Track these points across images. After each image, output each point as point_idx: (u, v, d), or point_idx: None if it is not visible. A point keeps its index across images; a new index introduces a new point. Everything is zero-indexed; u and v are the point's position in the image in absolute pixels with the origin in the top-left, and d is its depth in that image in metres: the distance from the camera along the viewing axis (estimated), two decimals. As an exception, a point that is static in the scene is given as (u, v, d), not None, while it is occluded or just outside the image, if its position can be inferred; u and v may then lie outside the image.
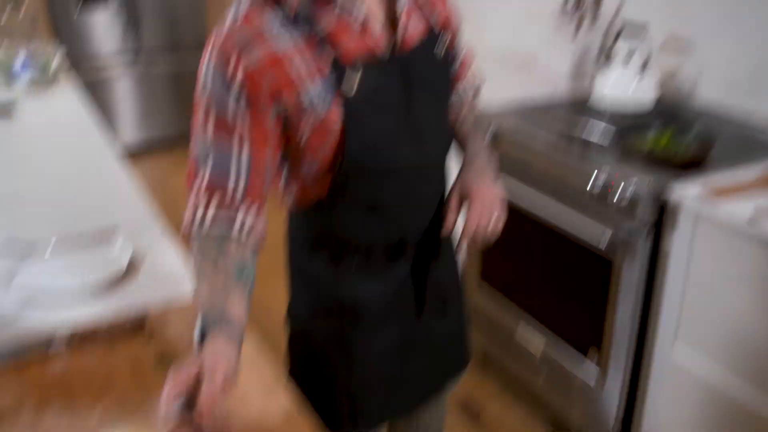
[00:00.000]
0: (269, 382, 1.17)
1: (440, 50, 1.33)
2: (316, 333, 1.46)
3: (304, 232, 1.42)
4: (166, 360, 1.22)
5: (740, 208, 1.65)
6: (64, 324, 1.34)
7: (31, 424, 1.10)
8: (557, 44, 2.64)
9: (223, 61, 1.13)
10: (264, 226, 1.20)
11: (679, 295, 1.79)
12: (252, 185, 1.16)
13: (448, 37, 1.36)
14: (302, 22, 1.17)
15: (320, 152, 1.22)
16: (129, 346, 1.27)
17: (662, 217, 1.77)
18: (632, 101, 2.32)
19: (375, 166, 1.25)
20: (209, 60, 1.15)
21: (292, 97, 1.16)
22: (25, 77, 3.06)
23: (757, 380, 1.68)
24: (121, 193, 1.97)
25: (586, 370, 2.09)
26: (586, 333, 2.07)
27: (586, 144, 2.04)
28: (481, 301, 2.47)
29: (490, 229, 1.34)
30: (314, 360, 1.48)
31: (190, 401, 0.92)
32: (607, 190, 1.84)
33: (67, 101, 2.92)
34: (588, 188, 1.89)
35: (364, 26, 1.21)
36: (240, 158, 1.15)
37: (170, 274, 1.52)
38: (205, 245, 1.12)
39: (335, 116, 1.18)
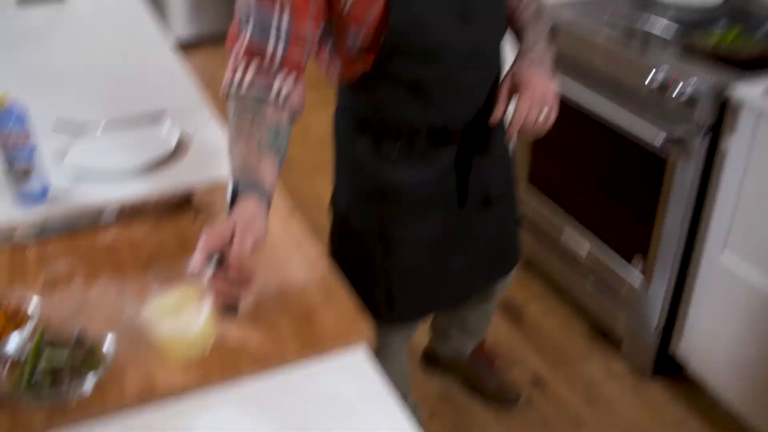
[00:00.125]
0: (312, 259, 1.19)
1: None
2: (357, 218, 1.46)
3: (349, 114, 1.41)
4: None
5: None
6: (114, 199, 1.37)
7: (82, 292, 1.14)
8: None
9: None
10: (301, 98, 1.18)
11: (732, 201, 1.74)
12: (291, 53, 1.15)
13: None
14: None
15: (363, 24, 1.19)
16: (176, 222, 1.30)
17: (722, 116, 1.70)
18: (699, -3, 2.20)
19: (418, 43, 1.22)
20: None
21: None
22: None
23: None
24: (171, 80, 1.98)
25: (630, 276, 2.08)
26: (633, 239, 2.04)
27: (647, 39, 1.95)
28: (527, 204, 2.44)
29: (539, 122, 1.30)
30: (354, 247, 1.50)
31: (221, 258, 0.96)
32: (666, 86, 1.77)
33: (118, -10, 2.91)
34: (646, 84, 1.82)
35: None
36: (280, 23, 1.13)
37: (217, 156, 1.54)
38: (242, 106, 1.11)
39: None
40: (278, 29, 1.13)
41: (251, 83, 1.13)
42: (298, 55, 1.15)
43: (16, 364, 0.97)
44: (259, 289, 1.10)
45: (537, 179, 2.40)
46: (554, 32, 2.14)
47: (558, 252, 2.39)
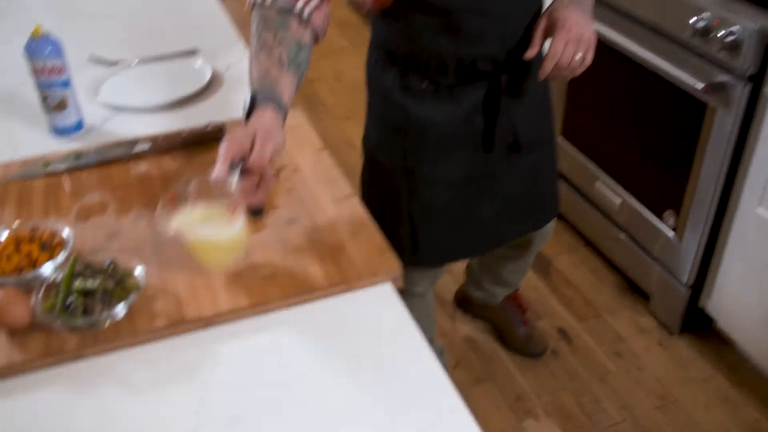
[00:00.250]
0: (342, 195, 1.18)
1: None
2: (384, 154, 1.46)
3: (380, 47, 1.39)
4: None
5: None
6: (147, 132, 1.37)
7: (114, 221, 1.15)
8: None
9: None
10: (324, 20, 1.16)
11: (772, 154, 1.70)
12: None
13: None
14: None
15: None
16: (206, 155, 1.30)
17: (765, 64, 1.65)
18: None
19: None
20: None
21: None
22: None
23: None
24: (205, 18, 1.97)
25: (662, 230, 2.05)
26: (666, 193, 2.00)
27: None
28: (559, 157, 2.41)
29: (574, 62, 1.27)
30: (381, 185, 1.49)
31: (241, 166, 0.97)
32: (708, 31, 1.71)
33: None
34: (688, 29, 1.76)
35: None
36: None
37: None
38: (266, 18, 1.10)
39: None
40: None
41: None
42: None
43: (50, 290, 0.99)
44: (289, 221, 1.11)
45: (570, 133, 2.36)
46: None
47: (590, 205, 2.36)
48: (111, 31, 1.88)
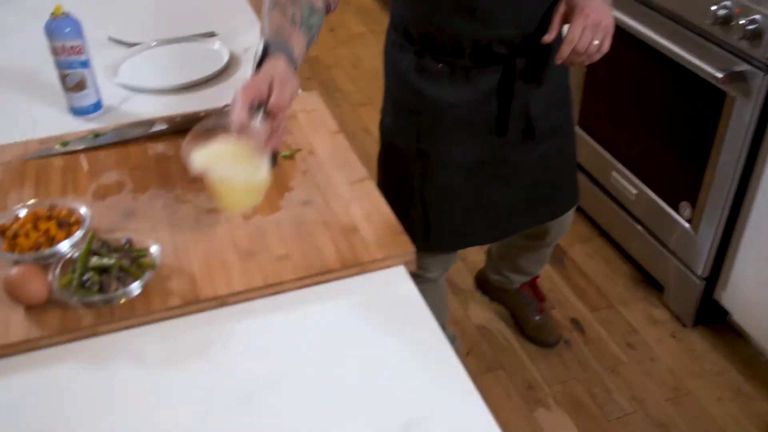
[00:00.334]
0: (356, 178, 1.18)
1: None
2: (399, 135, 1.47)
3: (398, 27, 1.40)
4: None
5: None
6: (164, 112, 1.38)
7: (131, 201, 1.16)
8: None
9: None
10: None
11: (792, 147, 1.68)
12: None
13: None
14: None
15: None
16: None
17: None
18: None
19: None
20: None
21: None
22: None
23: None
24: (223, 3, 1.97)
25: (678, 222, 2.04)
26: (682, 185, 1.99)
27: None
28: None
29: (591, 48, 1.26)
30: (396, 168, 1.50)
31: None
32: (728, 20, 1.70)
33: None
34: (708, 17, 1.75)
35: None
36: None
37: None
38: None
39: None
40: None
41: None
42: None
43: (67, 267, 1.00)
44: (304, 202, 1.12)
45: (586, 122, 2.35)
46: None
47: (605, 195, 2.35)
48: (130, 13, 1.89)
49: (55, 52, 1.35)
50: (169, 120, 1.33)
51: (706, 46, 1.79)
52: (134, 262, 1.00)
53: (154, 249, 1.02)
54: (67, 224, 1.07)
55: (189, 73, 1.53)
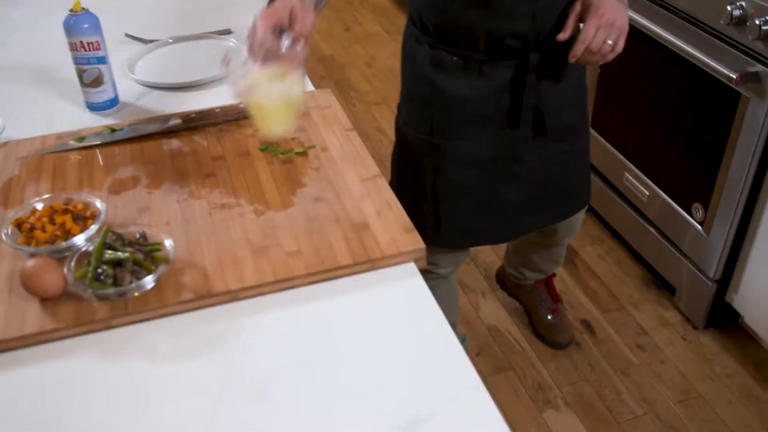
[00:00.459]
0: (368, 175, 1.19)
1: None
2: (413, 127, 1.48)
3: (415, 20, 1.41)
4: (270, 149, 1.26)
5: None
6: (179, 109, 1.40)
7: (145, 195, 1.17)
8: None
9: None
10: None
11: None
12: None
13: None
14: None
15: None
16: (237, 132, 1.32)
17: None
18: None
19: None
20: None
21: None
22: None
23: None
24: (239, 1, 1.98)
25: (690, 224, 2.03)
26: (694, 186, 1.99)
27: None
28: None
29: (605, 47, 1.26)
30: (409, 162, 1.52)
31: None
32: (743, 20, 1.69)
33: None
34: (723, 18, 1.74)
35: None
36: None
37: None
38: None
39: None
40: None
41: None
42: None
43: (81, 260, 1.01)
44: (316, 198, 1.13)
45: (599, 123, 2.34)
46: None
47: (617, 196, 2.35)
48: (147, 11, 1.91)
49: (73, 47, 1.37)
50: (184, 116, 1.34)
51: (720, 46, 1.79)
52: (148, 255, 1.01)
53: (167, 243, 1.03)
54: (83, 218, 1.08)
55: (204, 71, 1.54)
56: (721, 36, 1.79)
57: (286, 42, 1.08)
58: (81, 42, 1.36)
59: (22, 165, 1.26)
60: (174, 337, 0.94)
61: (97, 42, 1.37)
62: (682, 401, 1.91)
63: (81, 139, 1.30)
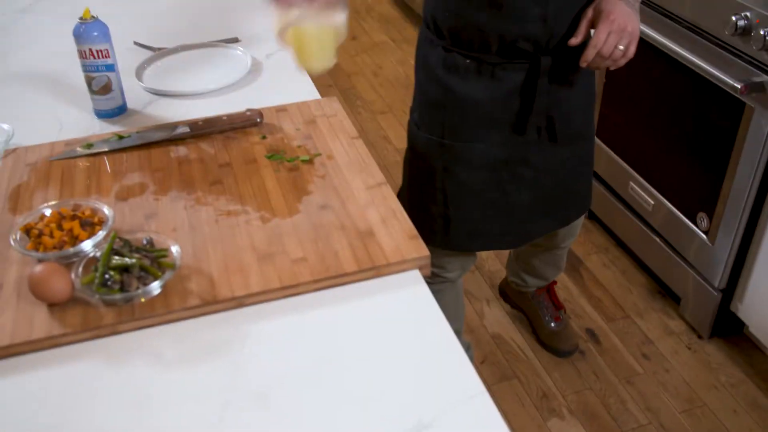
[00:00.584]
0: (374, 182, 1.20)
1: None
2: (424, 130, 1.50)
3: (429, 24, 1.43)
4: (276, 157, 1.27)
5: None
6: (187, 117, 1.41)
7: (153, 202, 1.18)
8: None
9: None
10: None
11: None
12: None
13: None
14: None
15: None
16: (244, 139, 1.33)
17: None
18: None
19: None
20: None
21: None
22: None
23: None
24: (247, 8, 1.99)
25: (695, 232, 2.03)
26: (699, 195, 1.99)
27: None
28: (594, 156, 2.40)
29: (617, 52, 1.29)
30: (420, 163, 1.54)
31: None
32: (748, 30, 1.70)
33: None
34: (728, 28, 1.75)
35: None
36: None
37: (288, 83, 1.56)
38: None
39: None
40: None
41: None
42: None
43: (89, 266, 1.02)
44: (322, 206, 1.15)
45: (605, 132, 2.35)
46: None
47: (622, 206, 2.35)
48: (155, 19, 1.92)
49: (82, 55, 1.38)
50: (192, 124, 1.35)
51: (725, 56, 1.80)
52: (155, 261, 1.02)
53: (174, 249, 1.04)
54: (91, 224, 1.09)
55: (212, 79, 1.55)
56: (725, 46, 1.80)
57: None
58: (90, 50, 1.37)
59: (30, 171, 1.27)
60: (180, 343, 0.95)
61: (106, 50, 1.39)
62: (687, 411, 1.91)
63: (89, 145, 1.31)
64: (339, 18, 1.14)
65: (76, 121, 1.44)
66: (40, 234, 1.06)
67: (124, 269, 1.00)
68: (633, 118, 2.22)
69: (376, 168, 1.25)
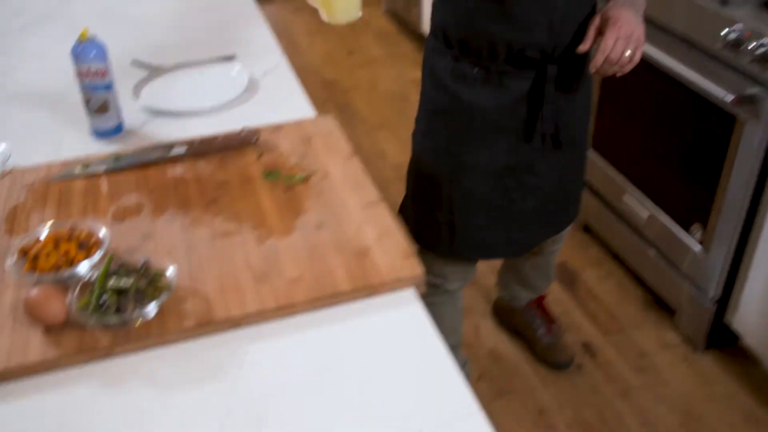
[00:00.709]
0: (369, 201, 1.21)
1: None
2: (431, 138, 1.53)
3: (437, 33, 1.46)
4: (272, 176, 1.28)
5: None
6: (184, 136, 1.41)
7: (149, 223, 1.19)
8: None
9: None
10: None
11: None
12: None
13: None
14: None
15: None
16: (240, 159, 1.34)
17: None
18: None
19: None
20: None
21: None
22: None
23: None
24: (245, 26, 2.01)
25: (689, 244, 2.04)
26: (693, 206, 2.00)
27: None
28: (589, 168, 2.41)
29: (624, 58, 1.32)
30: (425, 172, 1.56)
31: None
32: (739, 43, 1.72)
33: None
34: (719, 41, 1.77)
35: None
36: None
37: (284, 100, 1.57)
38: None
39: None
40: None
41: None
42: None
43: (85, 287, 1.03)
44: (318, 225, 1.15)
45: (600, 144, 2.36)
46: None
47: (617, 218, 2.36)
48: (153, 36, 1.94)
49: (80, 75, 1.39)
50: (188, 143, 1.36)
51: (716, 69, 1.81)
52: (151, 283, 1.03)
53: (170, 271, 1.05)
54: (87, 245, 1.10)
55: (209, 97, 1.56)
56: (717, 58, 1.82)
57: None
58: (88, 70, 1.38)
59: (27, 192, 1.27)
60: (177, 365, 0.95)
61: (104, 70, 1.40)
62: (684, 423, 1.91)
63: (86, 166, 1.32)
64: None
65: (73, 140, 1.45)
66: (37, 256, 1.07)
67: (120, 291, 1.00)
68: (627, 129, 2.24)
69: (372, 186, 1.25)
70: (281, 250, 1.11)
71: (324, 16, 1.22)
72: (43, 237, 1.11)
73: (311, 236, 1.14)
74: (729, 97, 1.74)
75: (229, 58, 1.76)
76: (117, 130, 1.46)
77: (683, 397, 1.98)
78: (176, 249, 1.12)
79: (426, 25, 3.80)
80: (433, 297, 1.72)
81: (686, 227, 2.05)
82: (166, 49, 1.83)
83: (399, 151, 3.03)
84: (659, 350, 2.13)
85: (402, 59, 3.97)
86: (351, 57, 4.04)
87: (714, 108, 1.84)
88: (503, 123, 1.45)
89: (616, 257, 2.46)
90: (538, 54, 1.38)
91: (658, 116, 2.09)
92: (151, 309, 0.99)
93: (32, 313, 0.98)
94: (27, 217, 1.21)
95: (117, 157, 1.34)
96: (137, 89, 1.62)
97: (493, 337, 2.19)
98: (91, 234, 1.12)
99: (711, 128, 1.89)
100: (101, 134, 1.45)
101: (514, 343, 2.17)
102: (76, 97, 1.45)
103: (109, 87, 1.42)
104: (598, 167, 2.38)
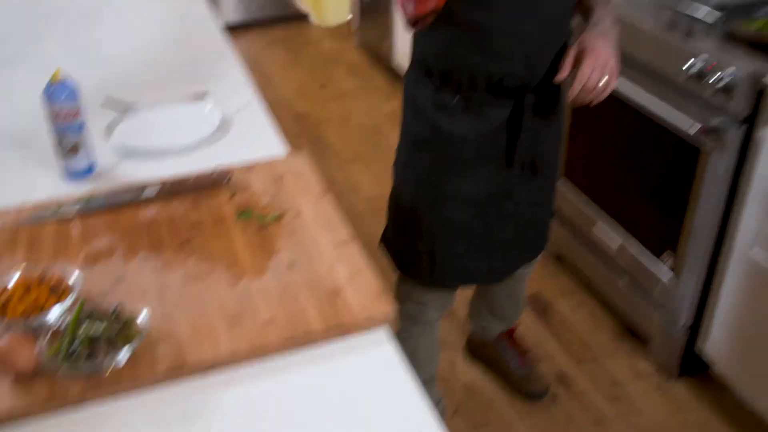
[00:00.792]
0: (341, 240, 1.22)
1: None
2: (411, 169, 1.56)
3: (417, 64, 1.50)
4: (245, 215, 1.28)
5: None
6: (156, 176, 1.42)
7: (121, 266, 1.18)
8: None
9: None
10: None
11: (765, 194, 1.72)
12: None
13: None
14: None
15: None
16: (213, 200, 1.34)
17: (758, 106, 1.69)
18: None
19: None
20: None
21: None
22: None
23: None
24: (217, 62, 2.02)
25: (660, 272, 2.07)
26: (663, 234, 2.03)
27: (687, 24, 1.94)
28: (560, 198, 2.44)
29: (599, 87, 1.36)
30: (405, 201, 1.58)
31: None
32: (703, 75, 1.76)
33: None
34: (683, 72, 1.81)
35: None
36: None
37: (256, 138, 1.58)
38: None
39: None
40: None
41: None
42: None
43: (56, 334, 1.01)
44: (290, 264, 1.15)
45: (571, 173, 2.40)
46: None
47: (589, 247, 2.39)
48: (126, 74, 1.94)
49: (51, 117, 1.39)
50: (160, 184, 1.36)
51: (681, 100, 1.86)
52: (122, 330, 1.02)
53: (142, 315, 1.04)
54: (58, 291, 1.09)
55: (182, 136, 1.57)
56: (681, 90, 1.86)
57: None
58: (59, 111, 1.38)
59: (-3, 236, 1.26)
60: (150, 412, 0.95)
61: (76, 111, 1.40)
62: (658, 453, 1.92)
63: (57, 209, 1.32)
64: None
65: (44, 182, 1.44)
66: (6, 302, 1.06)
67: (91, 338, 1.00)
68: (598, 159, 2.28)
69: (343, 226, 1.26)
70: (254, 291, 1.11)
71: (314, 18, 1.25)
72: (12, 283, 1.10)
73: (283, 276, 1.14)
74: (694, 128, 1.78)
75: (202, 95, 1.77)
76: (88, 171, 1.46)
77: (657, 426, 2.00)
78: (148, 292, 1.12)
79: (398, 58, 3.85)
80: (411, 328, 1.73)
81: (657, 254, 2.08)
82: (139, 87, 1.83)
83: (372, 184, 3.04)
84: (632, 379, 2.15)
85: (374, 92, 4.01)
86: (323, 90, 4.07)
87: (679, 138, 1.88)
88: (484, 151, 1.48)
89: (589, 286, 2.49)
90: (516, 83, 1.42)
91: (627, 146, 2.14)
92: (123, 356, 0.99)
93: (1, 361, 0.96)
94: (-4, 262, 1.20)
95: (88, 199, 1.34)
96: (109, 129, 1.62)
97: (468, 371, 2.20)
98: (62, 279, 1.11)
99: (678, 158, 1.93)
100: (73, 175, 1.45)
101: (489, 376, 2.17)
102: (46, 138, 1.45)
103: (80, 128, 1.42)
104: (569, 197, 2.41)
